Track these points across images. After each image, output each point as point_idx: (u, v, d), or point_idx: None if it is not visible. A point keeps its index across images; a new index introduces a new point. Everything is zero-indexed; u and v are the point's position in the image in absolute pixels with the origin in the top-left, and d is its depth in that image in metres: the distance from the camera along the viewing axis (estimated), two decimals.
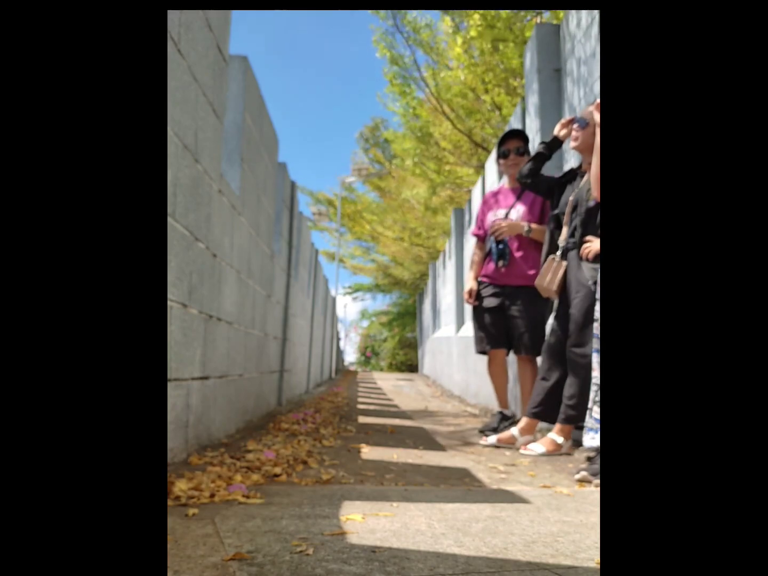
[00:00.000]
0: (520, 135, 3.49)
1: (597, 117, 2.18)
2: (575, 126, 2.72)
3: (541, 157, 2.97)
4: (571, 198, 2.77)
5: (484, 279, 3.51)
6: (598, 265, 2.48)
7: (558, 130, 2.93)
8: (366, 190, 17.38)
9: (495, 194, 3.64)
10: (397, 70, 9.65)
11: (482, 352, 3.61)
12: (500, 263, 3.37)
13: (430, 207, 12.26)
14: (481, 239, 3.65)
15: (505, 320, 3.43)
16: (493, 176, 6.68)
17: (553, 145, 2.96)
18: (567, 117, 2.95)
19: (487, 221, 3.57)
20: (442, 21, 8.39)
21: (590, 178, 2.37)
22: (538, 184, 3.00)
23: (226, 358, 2.81)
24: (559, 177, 2.98)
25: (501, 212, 3.48)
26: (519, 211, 3.42)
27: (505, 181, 3.66)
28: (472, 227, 3.71)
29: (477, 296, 3.54)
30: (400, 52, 9.59)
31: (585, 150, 2.71)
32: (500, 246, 3.37)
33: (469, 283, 3.60)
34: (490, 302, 3.46)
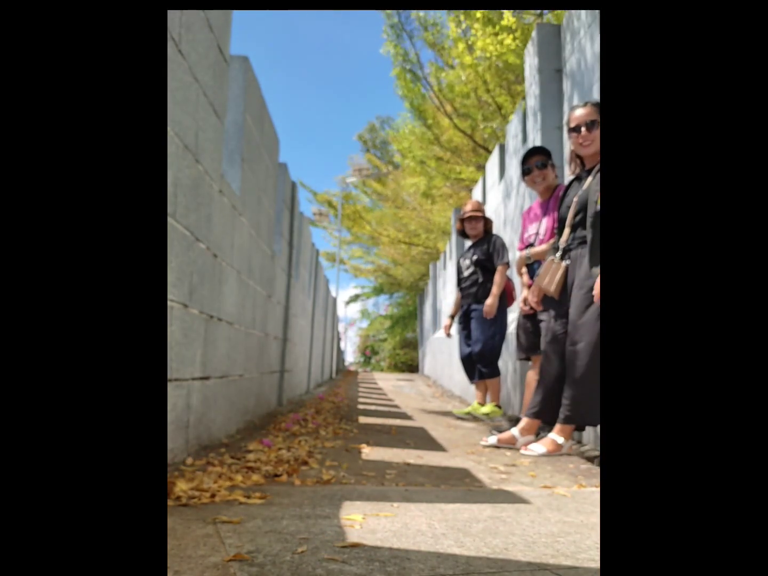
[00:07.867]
0: (541, 150, 3.54)
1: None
2: (582, 132, 2.68)
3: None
4: (575, 199, 2.75)
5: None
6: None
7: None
8: (366, 192, 17.37)
9: (529, 211, 3.72)
10: (404, 65, 9.68)
11: (526, 358, 3.62)
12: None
13: (429, 195, 12.09)
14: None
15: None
16: (494, 176, 6.68)
17: None
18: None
19: (524, 236, 3.66)
20: (448, 20, 8.39)
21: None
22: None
23: (226, 359, 2.81)
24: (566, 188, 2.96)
25: (533, 227, 3.59)
26: (544, 225, 3.50)
27: (536, 197, 3.74)
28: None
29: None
30: (406, 48, 9.63)
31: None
32: (534, 266, 3.48)
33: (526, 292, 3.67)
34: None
